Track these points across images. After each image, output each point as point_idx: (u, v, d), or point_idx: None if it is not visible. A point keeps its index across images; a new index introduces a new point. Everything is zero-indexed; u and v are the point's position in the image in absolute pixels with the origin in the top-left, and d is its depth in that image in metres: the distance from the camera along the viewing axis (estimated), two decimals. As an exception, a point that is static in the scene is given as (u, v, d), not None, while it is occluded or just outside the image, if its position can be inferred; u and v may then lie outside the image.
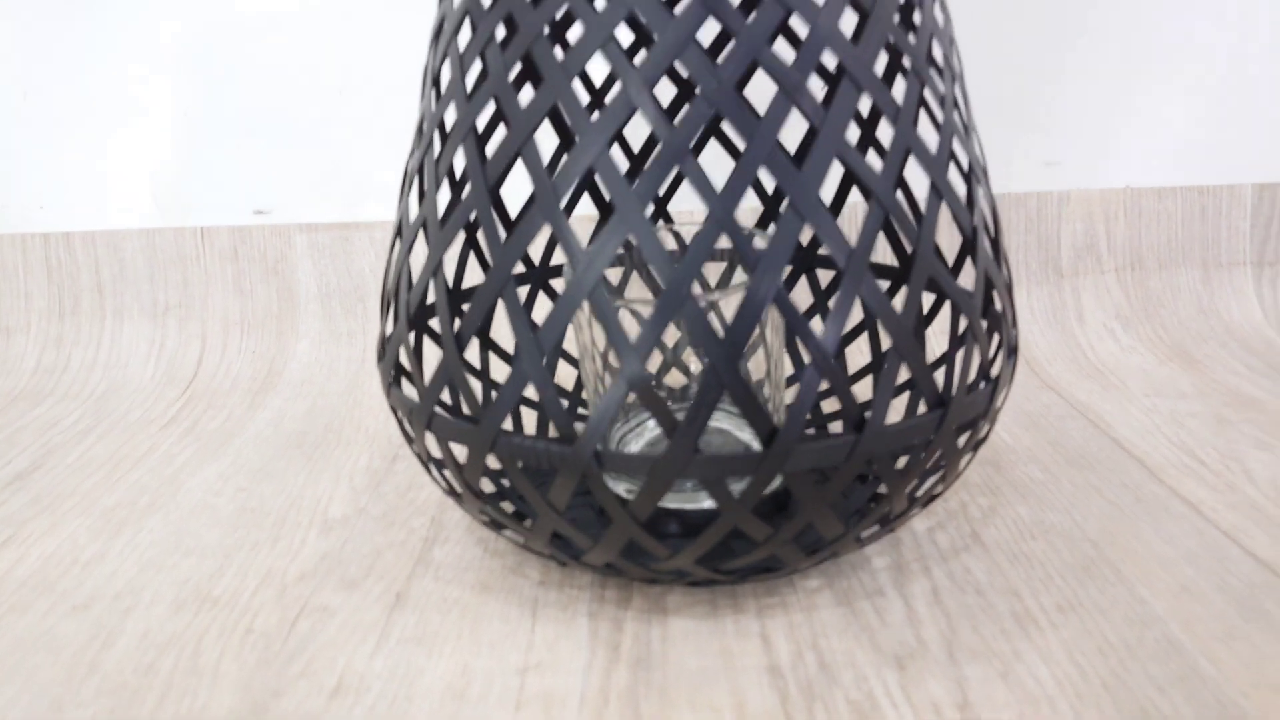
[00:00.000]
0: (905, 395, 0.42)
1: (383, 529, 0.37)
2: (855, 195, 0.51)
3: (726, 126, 0.40)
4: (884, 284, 0.38)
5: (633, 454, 0.27)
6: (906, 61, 0.26)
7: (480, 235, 0.38)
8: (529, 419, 0.43)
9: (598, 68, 0.51)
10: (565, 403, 0.41)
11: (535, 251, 0.51)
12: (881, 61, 0.46)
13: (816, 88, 0.50)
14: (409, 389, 0.39)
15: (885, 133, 0.51)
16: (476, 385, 0.41)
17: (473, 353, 0.49)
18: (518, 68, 0.37)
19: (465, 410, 0.36)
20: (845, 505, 0.34)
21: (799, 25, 0.43)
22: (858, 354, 0.50)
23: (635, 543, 0.30)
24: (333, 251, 0.55)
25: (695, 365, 0.39)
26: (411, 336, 0.31)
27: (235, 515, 0.38)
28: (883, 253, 0.51)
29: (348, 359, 0.54)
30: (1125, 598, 0.30)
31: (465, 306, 0.38)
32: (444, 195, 0.49)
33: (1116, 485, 0.38)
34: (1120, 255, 0.55)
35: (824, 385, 0.26)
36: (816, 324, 0.41)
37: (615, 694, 0.26)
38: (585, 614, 0.30)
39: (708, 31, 0.50)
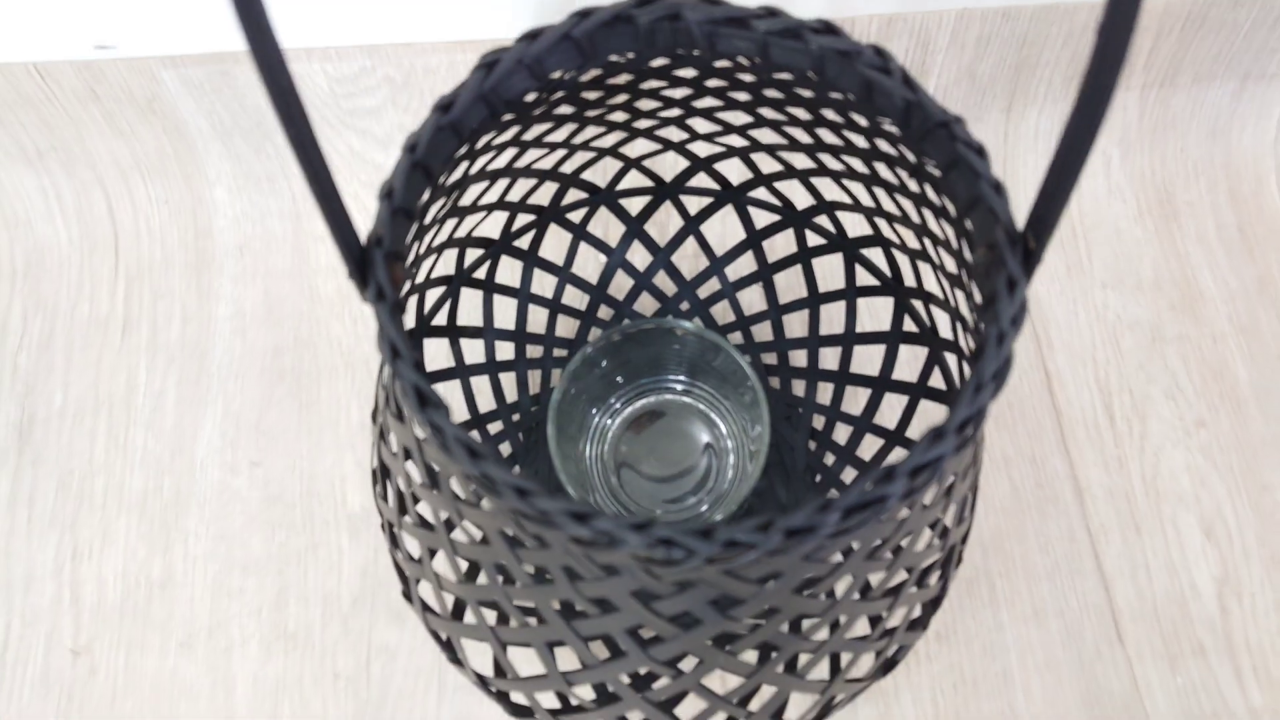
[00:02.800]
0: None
1: (402, 529, 0.42)
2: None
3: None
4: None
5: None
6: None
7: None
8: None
9: None
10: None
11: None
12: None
13: None
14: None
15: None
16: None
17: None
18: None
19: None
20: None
21: None
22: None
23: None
24: (214, 85, 0.43)
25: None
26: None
27: (265, 508, 0.43)
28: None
29: (274, 213, 0.48)
30: (988, 624, 0.41)
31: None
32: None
33: (1028, 458, 0.44)
34: (1158, 70, 0.46)
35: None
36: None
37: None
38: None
39: None
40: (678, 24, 0.22)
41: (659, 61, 0.25)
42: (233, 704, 0.40)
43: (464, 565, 0.33)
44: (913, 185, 0.25)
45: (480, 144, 0.25)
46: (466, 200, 0.31)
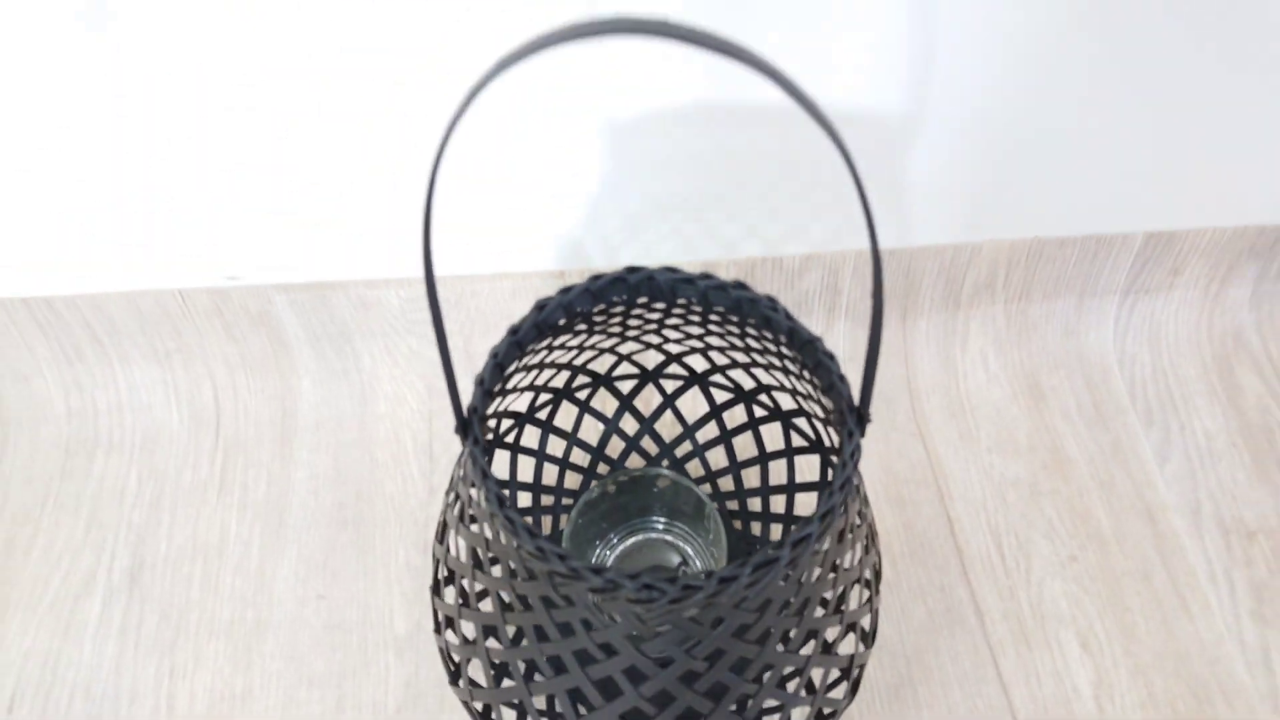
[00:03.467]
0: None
1: (436, 650, 0.52)
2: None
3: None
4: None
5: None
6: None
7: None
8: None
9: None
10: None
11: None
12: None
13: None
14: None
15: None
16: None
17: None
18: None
19: None
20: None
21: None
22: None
23: None
24: (312, 305, 0.58)
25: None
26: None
27: (331, 629, 0.53)
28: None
29: (346, 397, 0.61)
30: (912, 722, 0.51)
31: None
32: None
33: (937, 586, 0.55)
34: (1013, 289, 0.62)
35: None
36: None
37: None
38: None
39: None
40: (653, 282, 0.37)
41: (642, 299, 0.39)
42: (296, 798, 0.48)
43: (511, 631, 0.44)
44: (806, 374, 0.39)
45: (527, 349, 0.39)
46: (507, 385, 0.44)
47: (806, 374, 0.38)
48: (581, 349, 0.46)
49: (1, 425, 0.61)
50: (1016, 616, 0.54)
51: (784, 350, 0.37)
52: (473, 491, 0.35)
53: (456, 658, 0.41)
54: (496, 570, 0.37)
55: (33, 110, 0.48)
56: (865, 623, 0.42)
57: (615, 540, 0.52)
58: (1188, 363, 0.65)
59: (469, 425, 0.33)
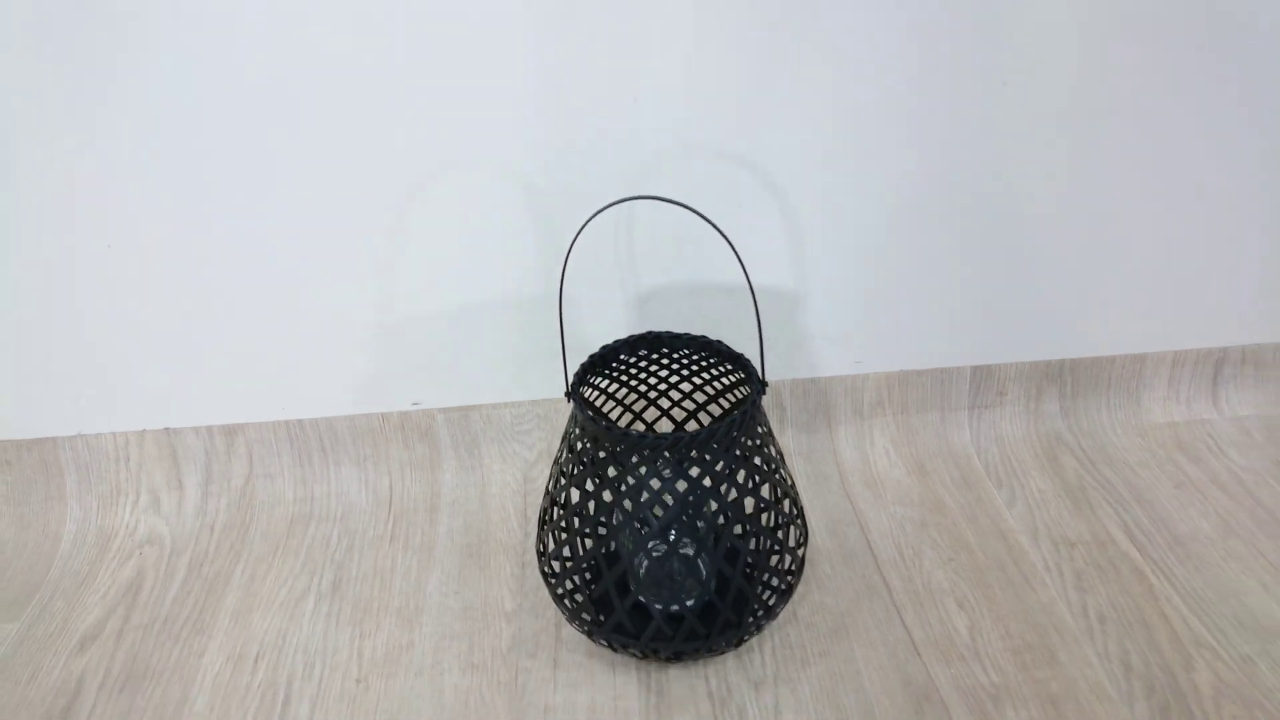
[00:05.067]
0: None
1: (533, 618, 0.80)
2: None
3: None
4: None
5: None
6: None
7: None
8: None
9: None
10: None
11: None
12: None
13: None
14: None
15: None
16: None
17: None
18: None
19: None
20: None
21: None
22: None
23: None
24: (458, 421, 0.95)
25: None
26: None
27: (463, 610, 0.81)
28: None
29: (472, 483, 0.95)
30: (845, 652, 0.76)
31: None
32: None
33: (860, 576, 0.83)
34: (896, 406, 0.97)
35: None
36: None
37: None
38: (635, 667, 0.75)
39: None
40: (659, 338, 0.73)
41: (654, 352, 0.75)
42: (443, 698, 0.74)
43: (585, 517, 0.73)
44: (741, 374, 0.73)
45: (594, 378, 0.74)
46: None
47: (741, 373, 0.73)
48: (623, 407, 0.80)
49: (251, 508, 0.94)
50: (913, 591, 0.81)
51: (728, 365, 0.73)
52: (575, 431, 0.68)
53: (544, 543, 0.71)
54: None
55: (284, 289, 0.89)
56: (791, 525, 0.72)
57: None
58: (1023, 452, 0.96)
59: (573, 392, 0.67)
